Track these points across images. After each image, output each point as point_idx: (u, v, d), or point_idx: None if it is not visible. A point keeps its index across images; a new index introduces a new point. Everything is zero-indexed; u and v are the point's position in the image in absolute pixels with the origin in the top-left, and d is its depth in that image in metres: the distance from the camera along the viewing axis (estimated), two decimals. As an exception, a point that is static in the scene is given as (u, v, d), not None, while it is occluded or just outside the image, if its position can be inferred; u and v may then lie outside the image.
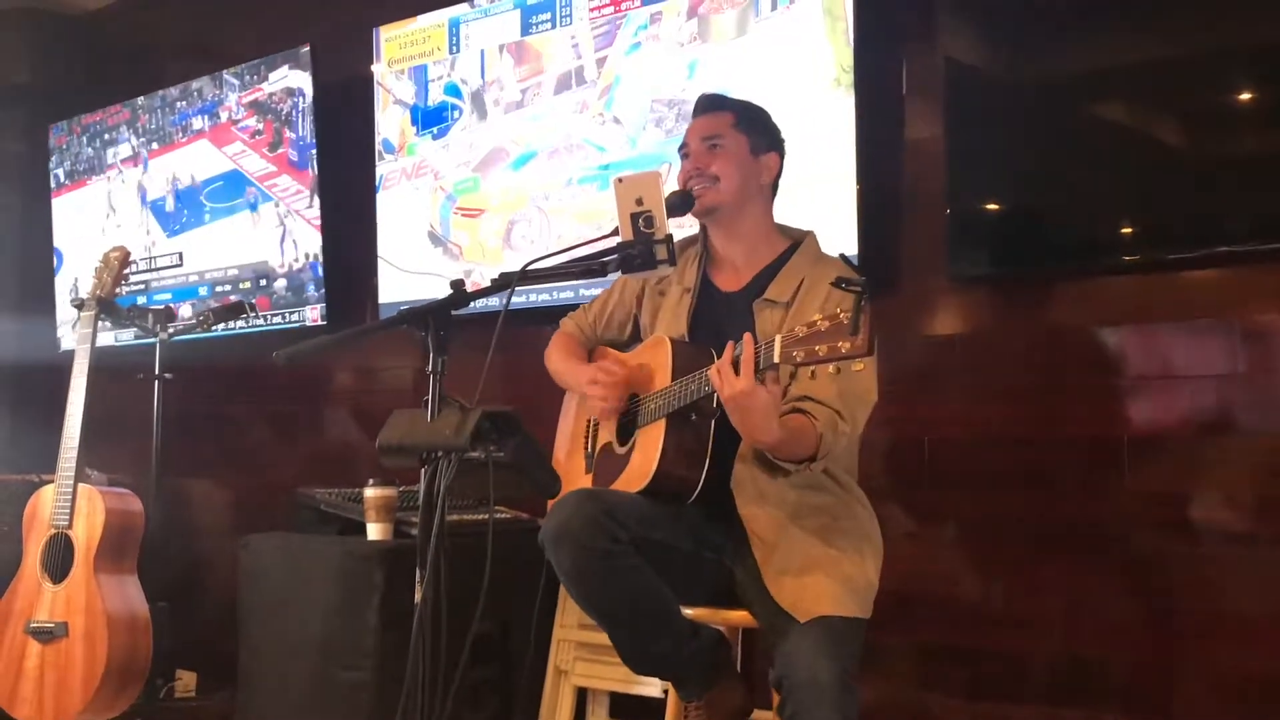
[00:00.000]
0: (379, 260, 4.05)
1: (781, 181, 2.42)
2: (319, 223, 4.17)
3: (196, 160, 4.63)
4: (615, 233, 2.08)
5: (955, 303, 2.99)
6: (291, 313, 4.27)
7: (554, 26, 3.65)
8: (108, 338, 4.68)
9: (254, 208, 4.39)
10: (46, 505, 3.58)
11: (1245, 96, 2.62)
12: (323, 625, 3.10)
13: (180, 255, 4.67)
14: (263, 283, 4.35)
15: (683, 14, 3.36)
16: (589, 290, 3.34)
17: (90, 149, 5.02)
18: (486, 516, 2.68)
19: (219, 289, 4.51)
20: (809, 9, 3.11)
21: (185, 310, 4.40)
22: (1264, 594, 2.55)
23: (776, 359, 1.90)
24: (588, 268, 2.09)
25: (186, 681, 4.26)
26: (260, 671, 3.30)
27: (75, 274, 4.97)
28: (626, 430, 2.34)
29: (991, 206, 2.93)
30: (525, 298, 3.55)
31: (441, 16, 3.93)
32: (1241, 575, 2.59)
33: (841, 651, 2.03)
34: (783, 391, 2.02)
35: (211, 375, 4.49)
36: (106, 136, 4.97)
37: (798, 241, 2.37)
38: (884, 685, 2.96)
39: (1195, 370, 2.67)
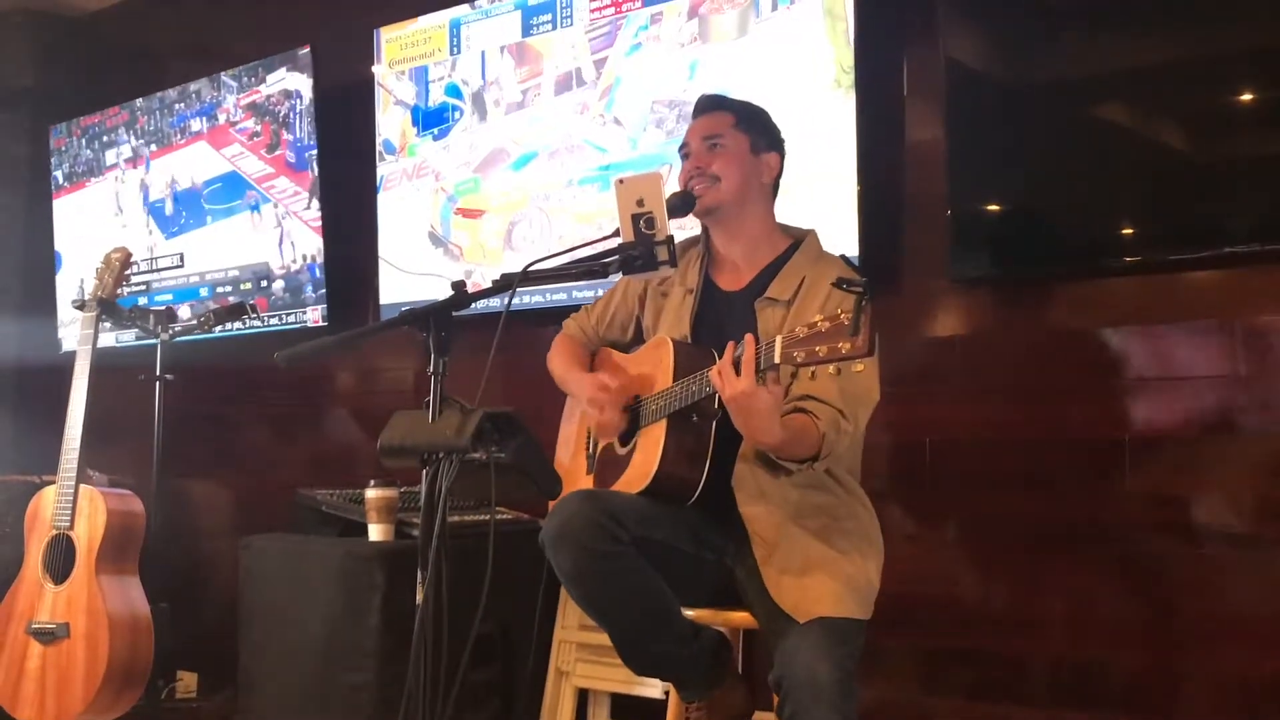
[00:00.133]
0: (380, 261, 4.05)
1: (782, 182, 2.42)
2: (317, 224, 4.17)
3: (195, 162, 4.63)
4: (616, 234, 2.08)
5: (956, 304, 2.99)
6: (288, 314, 4.27)
7: (555, 27, 3.65)
8: (109, 338, 4.68)
9: (256, 209, 4.39)
10: (48, 506, 3.58)
11: (1246, 98, 2.62)
12: (324, 626, 3.10)
13: (181, 256, 4.67)
14: (263, 284, 4.35)
15: (683, 14, 3.36)
16: (582, 292, 3.34)
17: (89, 151, 5.03)
18: (488, 517, 2.69)
19: (219, 290, 4.51)
20: (810, 9, 3.11)
21: (184, 311, 4.40)
22: (1265, 595, 2.55)
23: (777, 359, 1.90)
24: (589, 269, 2.09)
25: (187, 682, 4.26)
26: (261, 672, 3.30)
27: (75, 276, 4.97)
28: (628, 431, 2.34)
29: (992, 207, 2.93)
30: (526, 299, 3.55)
31: (442, 17, 3.93)
32: (1243, 576, 2.59)
33: (841, 652, 2.03)
34: (784, 391, 2.02)
35: (213, 376, 4.49)
36: (105, 139, 4.97)
37: (799, 240, 2.37)
38: (884, 686, 2.96)
39: (1196, 371, 2.67)
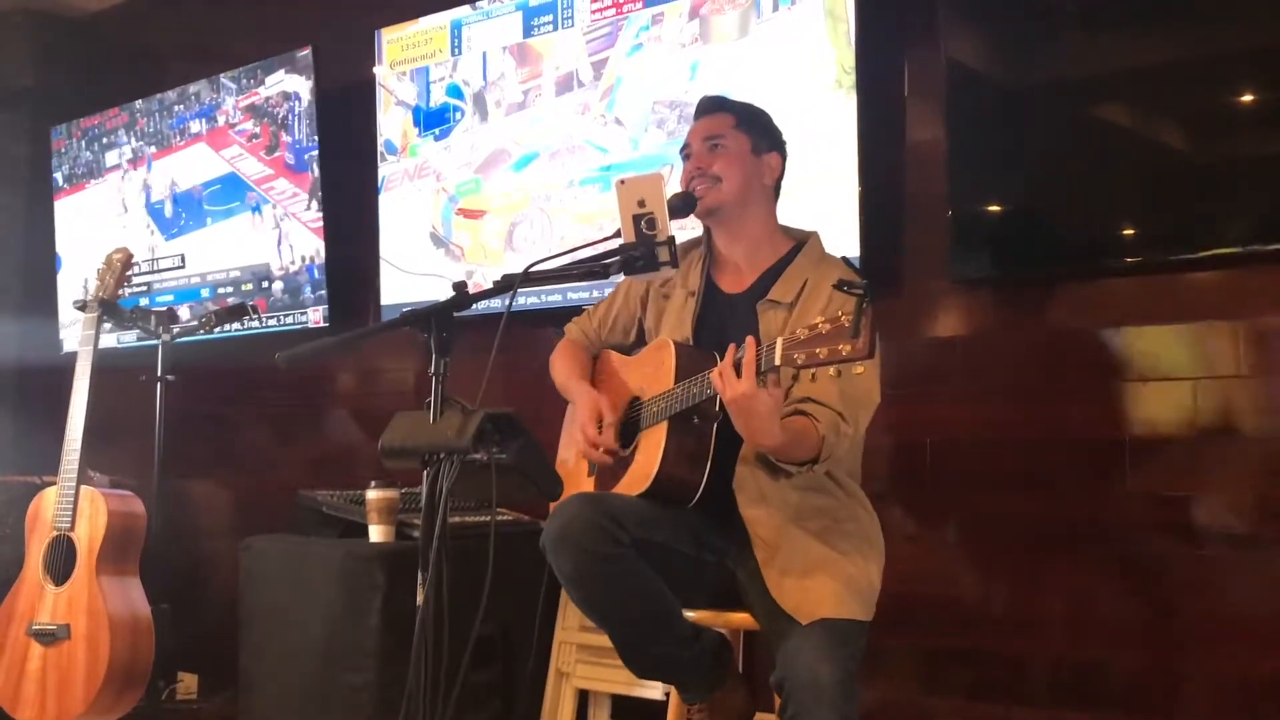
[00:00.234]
0: (381, 262, 4.05)
1: (783, 183, 2.42)
2: (315, 226, 4.18)
3: (194, 164, 4.63)
4: (617, 234, 2.08)
5: (957, 304, 2.99)
6: (286, 315, 4.28)
7: (556, 28, 3.65)
8: (110, 339, 4.68)
9: (257, 210, 4.39)
10: (49, 507, 3.58)
11: (1246, 98, 2.62)
12: (324, 627, 3.10)
13: (182, 257, 4.68)
14: (264, 285, 4.35)
15: (684, 15, 3.36)
16: (578, 293, 3.35)
17: (89, 153, 5.03)
18: (489, 519, 2.70)
19: (220, 291, 4.52)
20: (811, 10, 3.11)
21: (183, 312, 4.40)
22: (1266, 596, 2.55)
23: (778, 361, 1.90)
24: (590, 270, 2.09)
25: (188, 683, 4.26)
26: (262, 673, 3.30)
27: (74, 278, 4.97)
28: (629, 433, 2.34)
29: (993, 208, 2.93)
30: (527, 300, 3.55)
31: (443, 18, 3.93)
32: (1243, 577, 2.59)
33: (843, 653, 2.03)
34: (784, 394, 2.02)
35: (213, 377, 4.49)
36: (105, 140, 4.97)
37: (801, 242, 2.37)
38: (885, 687, 2.96)
39: (1197, 372, 2.67)
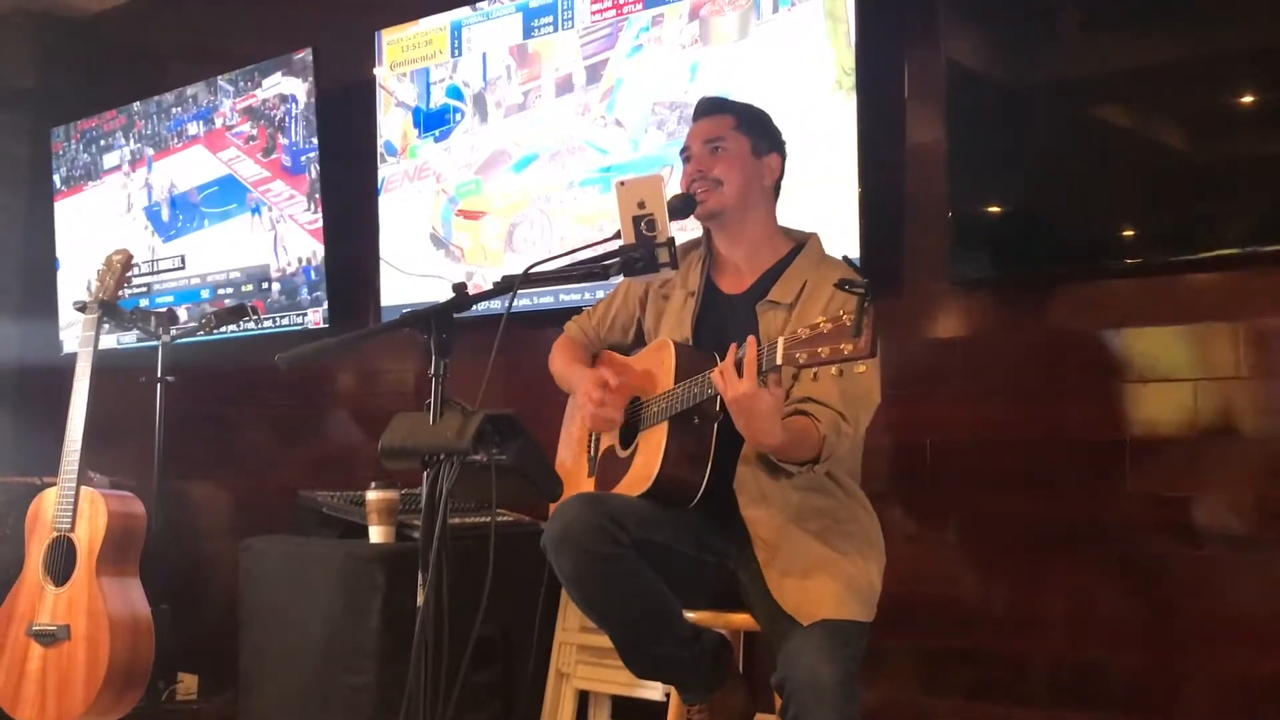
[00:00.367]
0: (381, 263, 4.06)
1: (783, 184, 2.42)
2: (312, 227, 4.19)
3: (192, 165, 4.64)
4: (617, 235, 2.08)
5: (957, 305, 2.99)
6: (282, 317, 4.28)
7: (556, 29, 3.65)
8: (110, 340, 4.68)
9: (256, 211, 4.39)
10: (49, 508, 3.58)
11: (1246, 99, 2.62)
12: (324, 628, 3.10)
13: (182, 258, 4.68)
14: (264, 285, 4.36)
15: (684, 16, 3.37)
16: (569, 295, 3.35)
17: (86, 155, 5.03)
18: (489, 519, 2.70)
19: (220, 292, 4.52)
20: (811, 11, 3.11)
21: (181, 314, 4.40)
22: (1266, 596, 2.55)
23: (779, 361, 1.90)
24: (590, 271, 2.10)
25: (188, 684, 4.26)
26: (262, 674, 3.30)
27: (73, 279, 4.98)
28: (629, 433, 2.34)
29: (993, 209, 2.94)
30: (527, 301, 3.55)
31: (444, 20, 3.93)
32: (1243, 578, 2.59)
33: (844, 654, 2.03)
34: (785, 393, 2.02)
35: (213, 378, 4.49)
36: (102, 142, 4.98)
37: (801, 243, 2.37)
38: (886, 687, 2.96)
39: (1197, 373, 2.67)
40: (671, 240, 2.05)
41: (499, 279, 2.06)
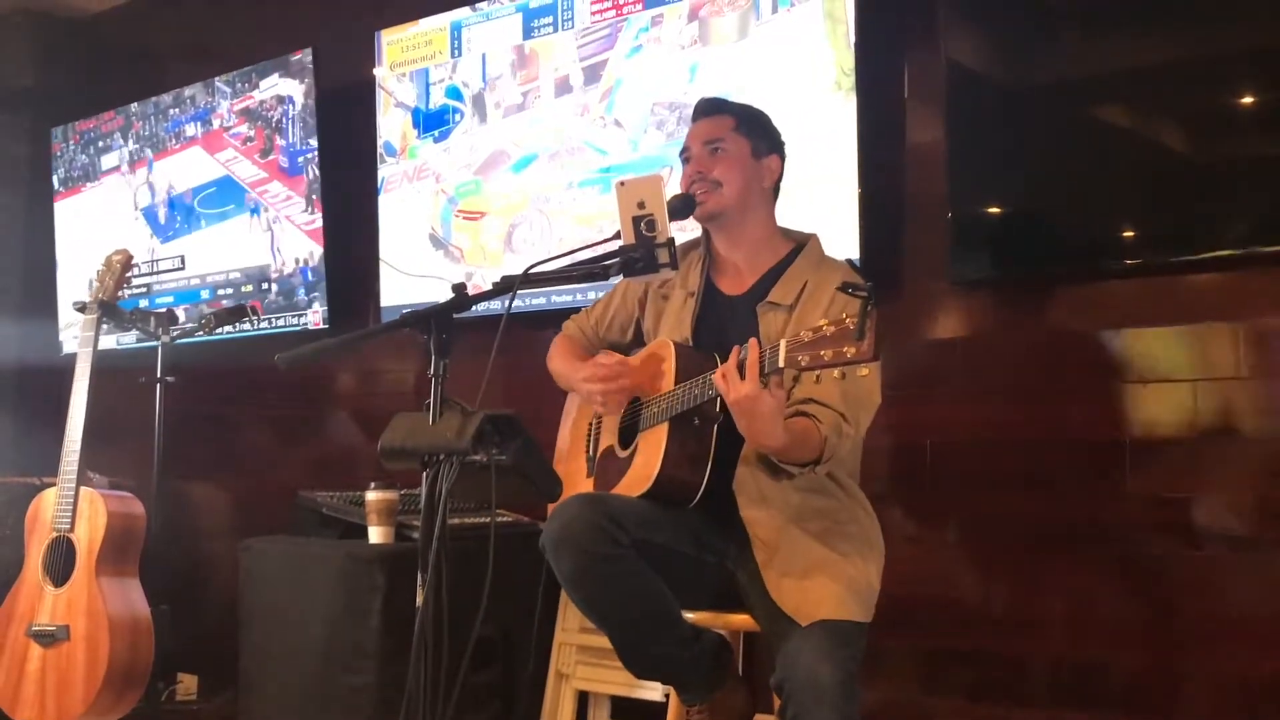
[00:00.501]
0: (381, 263, 4.05)
1: (783, 185, 2.42)
2: (310, 228, 4.19)
3: (190, 166, 4.64)
4: (617, 236, 2.08)
5: (957, 306, 2.99)
6: (278, 318, 4.28)
7: (555, 30, 3.65)
8: (109, 340, 4.68)
9: (255, 212, 4.40)
10: (48, 508, 3.58)
11: (1246, 99, 2.62)
12: (324, 628, 3.10)
13: (182, 259, 4.68)
14: (264, 286, 4.36)
15: (684, 17, 3.37)
16: (561, 296, 3.35)
17: (84, 156, 5.03)
18: (488, 520, 2.69)
19: (220, 293, 4.52)
20: (810, 12, 3.11)
21: (179, 314, 4.40)
22: (1266, 597, 2.55)
23: (782, 363, 1.90)
24: (589, 271, 2.09)
25: (188, 684, 4.26)
26: (261, 675, 3.30)
27: (71, 280, 4.98)
28: (629, 434, 2.34)
29: (993, 210, 2.93)
30: (527, 301, 3.55)
31: (443, 20, 3.93)
32: (1243, 578, 2.59)
33: (843, 654, 2.03)
34: (786, 394, 2.02)
35: (213, 378, 4.49)
36: (100, 144, 4.98)
37: (801, 245, 2.37)
38: (885, 688, 2.96)
39: (1197, 373, 2.67)
40: (671, 240, 2.05)
41: (498, 279, 2.06)
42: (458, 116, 3.89)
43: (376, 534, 3.15)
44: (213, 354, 4.35)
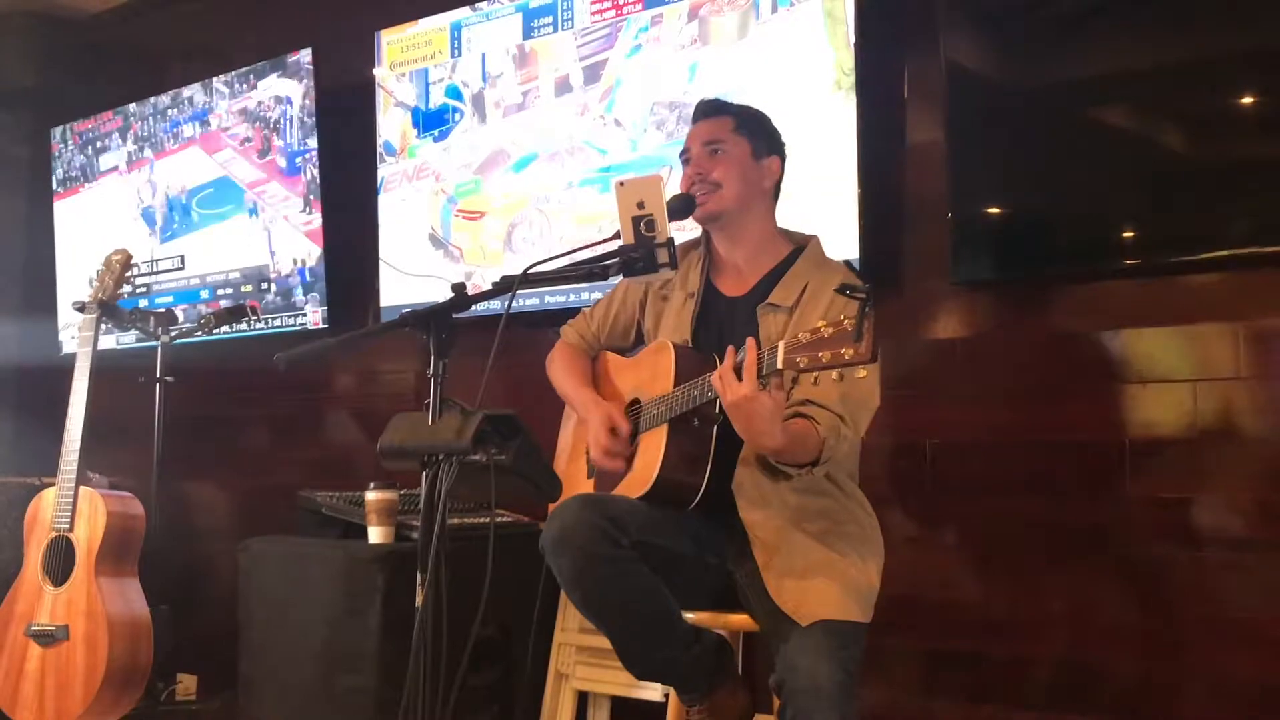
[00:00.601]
0: (380, 263, 4.05)
1: (783, 185, 2.41)
2: (308, 228, 4.19)
3: (189, 167, 4.64)
4: (617, 236, 2.08)
5: (957, 307, 2.99)
6: (274, 318, 4.28)
7: (555, 30, 3.65)
8: (109, 340, 4.68)
9: (254, 212, 4.39)
10: (48, 508, 3.58)
11: (1247, 100, 2.62)
12: (324, 629, 3.10)
13: (182, 259, 4.68)
14: (264, 286, 4.36)
15: (683, 16, 3.36)
16: (556, 297, 3.34)
17: (82, 156, 5.03)
18: (487, 520, 2.69)
19: (220, 293, 4.52)
20: (810, 12, 3.11)
21: (179, 314, 4.40)
22: (1267, 599, 2.55)
23: (780, 365, 1.90)
24: (589, 271, 2.09)
25: (187, 685, 4.26)
26: (261, 675, 3.30)
27: (69, 280, 4.97)
28: (628, 434, 2.33)
29: (993, 210, 2.93)
30: (526, 301, 3.55)
31: (443, 20, 3.93)
32: (1244, 580, 2.58)
33: (842, 655, 2.03)
34: (785, 396, 2.02)
35: (213, 378, 4.49)
36: (99, 144, 4.98)
37: (801, 246, 2.37)
38: (885, 689, 2.95)
39: (1196, 374, 2.67)
40: (671, 240, 2.04)
41: (498, 279, 2.06)
42: (457, 116, 3.89)
43: (376, 534, 3.15)
44: (212, 354, 4.35)
